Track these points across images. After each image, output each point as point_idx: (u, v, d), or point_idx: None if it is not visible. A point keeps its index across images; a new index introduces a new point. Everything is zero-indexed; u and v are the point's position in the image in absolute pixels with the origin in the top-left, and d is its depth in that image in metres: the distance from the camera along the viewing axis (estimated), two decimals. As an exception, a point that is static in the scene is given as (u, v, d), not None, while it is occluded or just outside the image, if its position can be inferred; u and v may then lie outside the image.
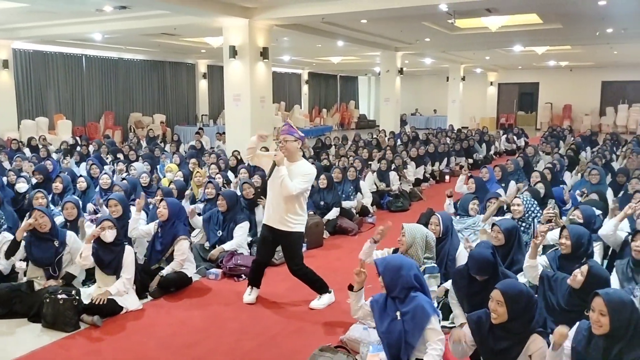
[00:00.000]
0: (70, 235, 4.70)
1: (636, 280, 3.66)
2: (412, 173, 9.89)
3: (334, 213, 7.05)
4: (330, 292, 4.64)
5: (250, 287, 4.74)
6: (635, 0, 9.52)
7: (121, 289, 4.39)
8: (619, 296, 2.68)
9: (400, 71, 17.89)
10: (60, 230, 4.72)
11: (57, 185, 6.57)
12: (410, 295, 3.15)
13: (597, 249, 4.59)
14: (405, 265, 3.22)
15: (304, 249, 5.90)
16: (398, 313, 3.15)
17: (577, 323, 2.85)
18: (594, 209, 5.13)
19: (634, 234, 3.91)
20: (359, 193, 7.83)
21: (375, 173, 9.08)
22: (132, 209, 5.43)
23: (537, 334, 2.87)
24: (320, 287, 4.62)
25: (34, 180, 7.37)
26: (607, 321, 2.61)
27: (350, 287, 3.43)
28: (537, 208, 5.17)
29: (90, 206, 6.41)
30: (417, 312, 3.08)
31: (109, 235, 4.40)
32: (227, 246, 5.58)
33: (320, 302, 4.57)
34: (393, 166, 9.24)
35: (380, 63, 18.29)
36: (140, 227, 5.22)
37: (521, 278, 3.88)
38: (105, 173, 7.31)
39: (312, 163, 8.75)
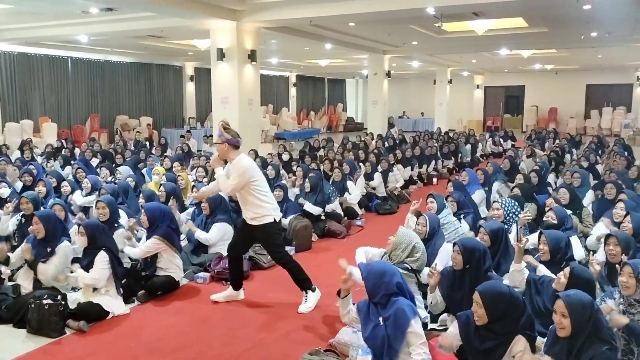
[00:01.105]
0: (61, 247, 4.54)
1: (614, 283, 3.69)
2: (400, 176, 9.84)
3: (316, 210, 6.95)
4: (314, 290, 4.64)
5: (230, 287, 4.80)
6: (619, 4, 9.65)
7: (86, 280, 4.25)
8: (579, 298, 2.70)
9: (388, 74, 17.95)
10: (60, 239, 4.58)
11: (40, 189, 6.49)
12: (392, 300, 3.17)
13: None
14: (388, 272, 3.23)
15: (292, 252, 5.91)
16: (381, 319, 3.17)
17: (551, 326, 2.87)
18: (566, 210, 5.25)
19: (606, 238, 3.96)
20: (346, 192, 7.83)
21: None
22: (122, 212, 5.38)
23: (521, 335, 2.88)
24: (303, 280, 4.62)
25: (20, 184, 7.26)
26: (569, 323, 2.64)
27: (339, 293, 3.47)
28: (519, 210, 5.18)
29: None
30: (398, 316, 3.10)
31: (79, 241, 4.41)
32: (199, 232, 5.68)
33: (308, 304, 4.56)
34: (379, 169, 9.26)
35: (368, 66, 18.33)
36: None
37: (505, 281, 3.91)
38: (86, 177, 7.25)
39: (298, 166, 8.77)
